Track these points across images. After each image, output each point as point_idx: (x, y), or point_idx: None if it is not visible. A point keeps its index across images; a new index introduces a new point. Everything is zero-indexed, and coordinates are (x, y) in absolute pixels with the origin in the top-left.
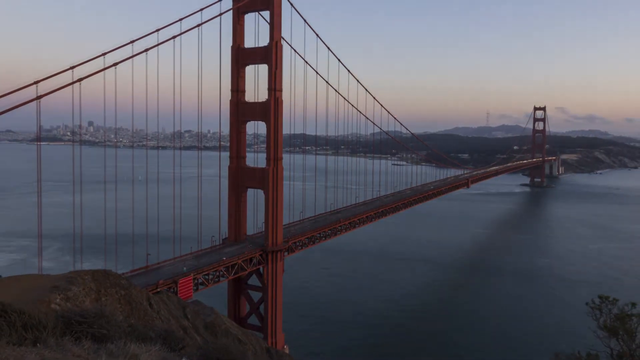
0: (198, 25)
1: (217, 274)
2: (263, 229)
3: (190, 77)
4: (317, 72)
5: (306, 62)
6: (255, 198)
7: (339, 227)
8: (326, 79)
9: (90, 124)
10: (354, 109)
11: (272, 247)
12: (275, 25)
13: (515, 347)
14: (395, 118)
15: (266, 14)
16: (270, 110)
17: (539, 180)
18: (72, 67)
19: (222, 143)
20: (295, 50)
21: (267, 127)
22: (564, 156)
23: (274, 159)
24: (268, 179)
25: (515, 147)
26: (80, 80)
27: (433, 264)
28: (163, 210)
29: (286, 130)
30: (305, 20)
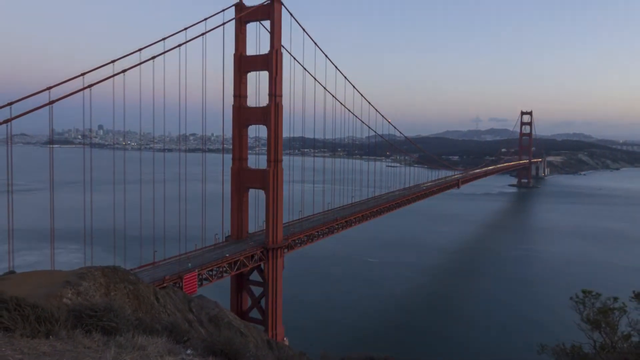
0: (202, 34)
1: (221, 270)
2: (264, 227)
3: (195, 83)
4: (315, 79)
5: (305, 69)
6: (256, 198)
7: (336, 226)
8: (324, 85)
9: (100, 127)
10: (350, 113)
11: (273, 245)
12: (275, 34)
13: (504, 341)
14: (389, 122)
15: (267, 23)
16: (270, 114)
17: (526, 181)
18: (83, 74)
19: (225, 146)
20: (294, 58)
21: (267, 130)
22: (549, 158)
23: (274, 161)
24: (268, 180)
25: (503, 150)
26: (90, 86)
27: (426, 262)
28: (169, 209)
29: (286, 133)
30: (304, 30)
